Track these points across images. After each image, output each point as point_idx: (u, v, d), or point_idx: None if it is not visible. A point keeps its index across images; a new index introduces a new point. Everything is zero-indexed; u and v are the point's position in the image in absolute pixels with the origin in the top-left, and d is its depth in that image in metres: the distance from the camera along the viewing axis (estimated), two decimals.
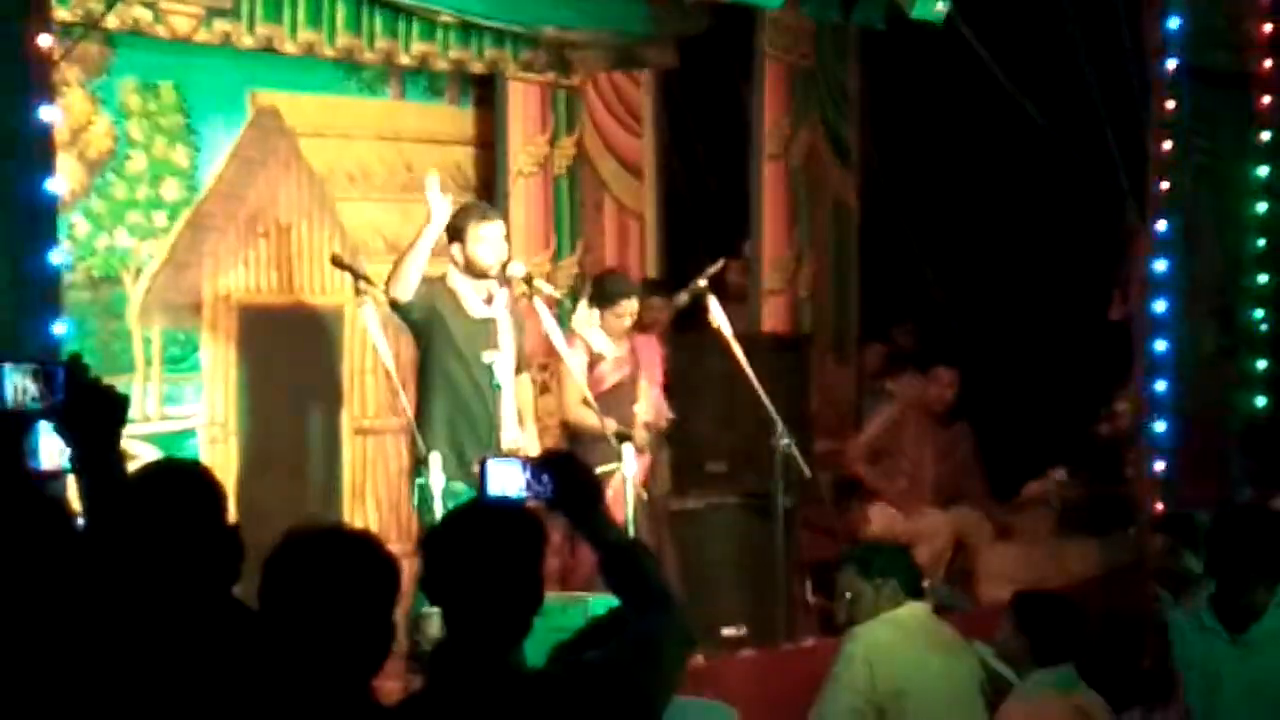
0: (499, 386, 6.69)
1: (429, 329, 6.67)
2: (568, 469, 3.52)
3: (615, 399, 7.22)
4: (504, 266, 6.72)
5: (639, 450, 6.91)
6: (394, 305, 6.64)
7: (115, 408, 3.40)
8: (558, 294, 7.31)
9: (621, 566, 3.47)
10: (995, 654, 5.71)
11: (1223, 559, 5.13)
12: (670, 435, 7.55)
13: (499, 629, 3.20)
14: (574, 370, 7.08)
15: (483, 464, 3.53)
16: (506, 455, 5.62)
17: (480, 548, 3.22)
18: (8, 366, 3.20)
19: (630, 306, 7.38)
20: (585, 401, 6.98)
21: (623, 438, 7.01)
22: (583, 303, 7.48)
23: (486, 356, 6.70)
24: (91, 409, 3.33)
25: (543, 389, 8.19)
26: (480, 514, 3.37)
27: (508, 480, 3.48)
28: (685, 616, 3.50)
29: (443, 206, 6.59)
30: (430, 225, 6.57)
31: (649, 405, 7.46)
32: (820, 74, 9.49)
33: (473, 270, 6.69)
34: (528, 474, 3.49)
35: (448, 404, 6.68)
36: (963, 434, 8.80)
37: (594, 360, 7.31)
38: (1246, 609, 5.06)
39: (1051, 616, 5.52)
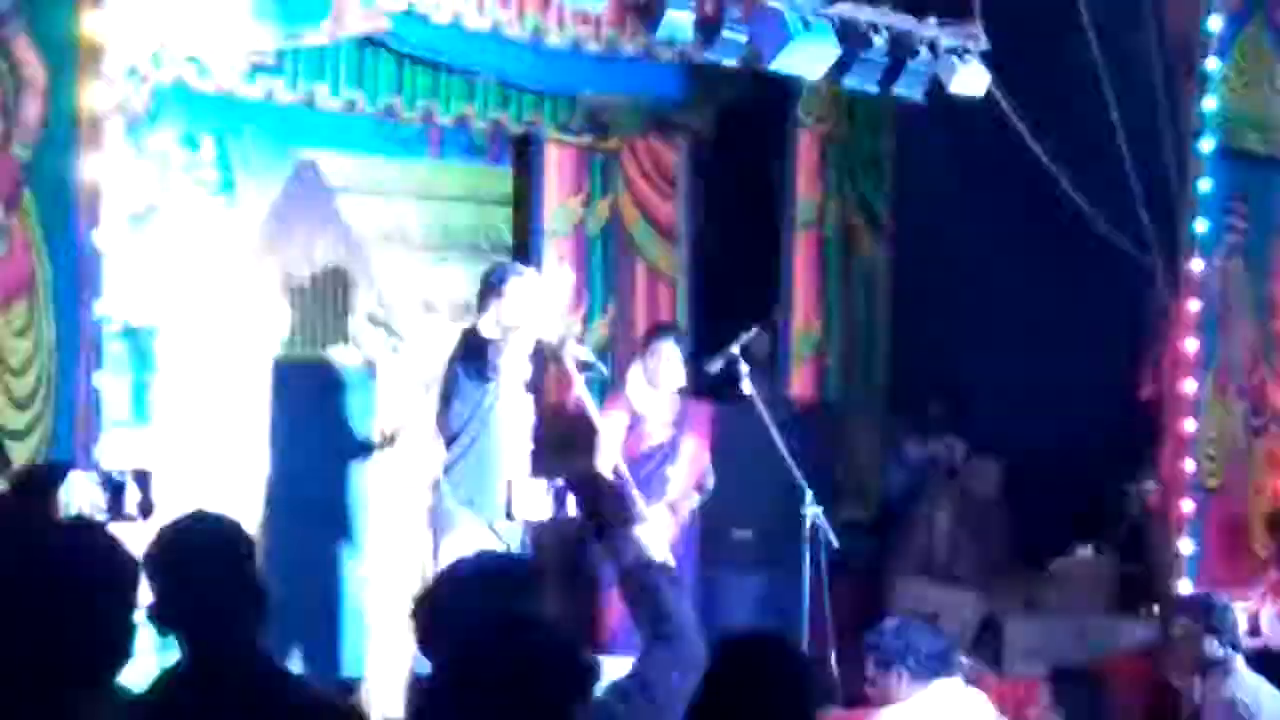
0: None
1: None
2: (593, 489, 3.64)
3: (652, 459, 7.18)
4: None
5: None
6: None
7: None
8: (591, 358, 7.33)
9: (637, 589, 3.57)
10: None
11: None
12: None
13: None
14: (608, 435, 7.03)
15: (509, 484, 3.63)
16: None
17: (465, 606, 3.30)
18: None
19: (666, 350, 7.29)
20: (615, 469, 6.96)
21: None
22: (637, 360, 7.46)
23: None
24: None
25: None
26: (472, 570, 3.47)
27: (535, 500, 3.59)
28: (697, 647, 3.53)
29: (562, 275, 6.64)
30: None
31: (691, 471, 7.39)
32: (854, 144, 9.53)
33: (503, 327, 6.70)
34: (553, 493, 3.61)
35: (468, 458, 6.68)
36: (999, 523, 8.82)
37: (636, 418, 7.25)
38: None
39: (1086, 694, 5.49)
